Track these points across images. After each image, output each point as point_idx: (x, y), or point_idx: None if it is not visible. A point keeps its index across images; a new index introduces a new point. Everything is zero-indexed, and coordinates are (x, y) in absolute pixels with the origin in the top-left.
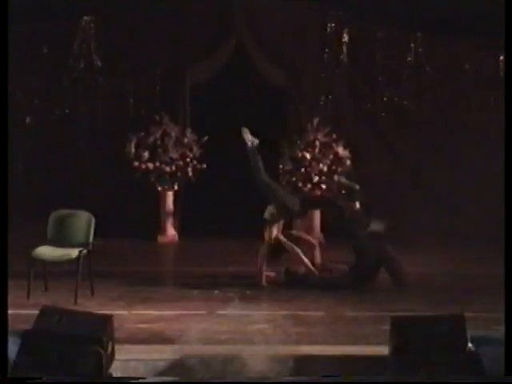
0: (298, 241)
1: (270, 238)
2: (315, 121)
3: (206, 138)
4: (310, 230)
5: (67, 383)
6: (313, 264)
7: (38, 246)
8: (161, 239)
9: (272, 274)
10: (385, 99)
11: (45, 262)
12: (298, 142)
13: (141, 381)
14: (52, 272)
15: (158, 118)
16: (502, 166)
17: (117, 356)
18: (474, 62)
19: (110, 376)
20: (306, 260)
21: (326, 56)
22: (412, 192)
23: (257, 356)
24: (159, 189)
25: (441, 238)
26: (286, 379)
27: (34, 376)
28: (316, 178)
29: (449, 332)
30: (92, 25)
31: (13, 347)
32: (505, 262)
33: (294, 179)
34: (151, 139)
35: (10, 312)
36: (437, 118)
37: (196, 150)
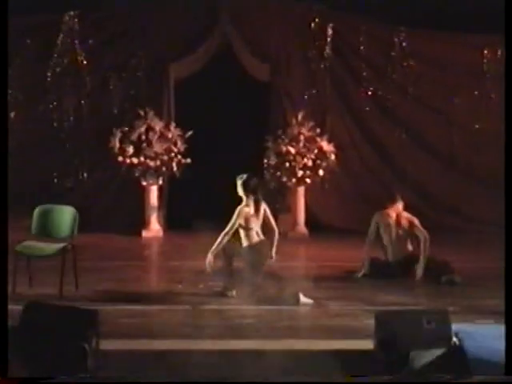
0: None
1: None
2: (300, 115)
3: (190, 132)
4: (294, 225)
5: (67, 383)
6: None
7: (22, 241)
8: (145, 234)
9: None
10: (369, 93)
11: (29, 257)
12: (283, 136)
13: (137, 381)
14: (36, 267)
15: (142, 112)
16: (490, 160)
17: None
18: (458, 56)
19: (95, 371)
20: None
21: (310, 50)
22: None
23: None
24: (144, 183)
25: None
26: (287, 379)
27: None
28: (300, 173)
29: (433, 326)
30: (76, 20)
31: None
32: (505, 260)
33: (278, 174)
34: (136, 134)
35: None
36: (421, 112)
37: (180, 145)
